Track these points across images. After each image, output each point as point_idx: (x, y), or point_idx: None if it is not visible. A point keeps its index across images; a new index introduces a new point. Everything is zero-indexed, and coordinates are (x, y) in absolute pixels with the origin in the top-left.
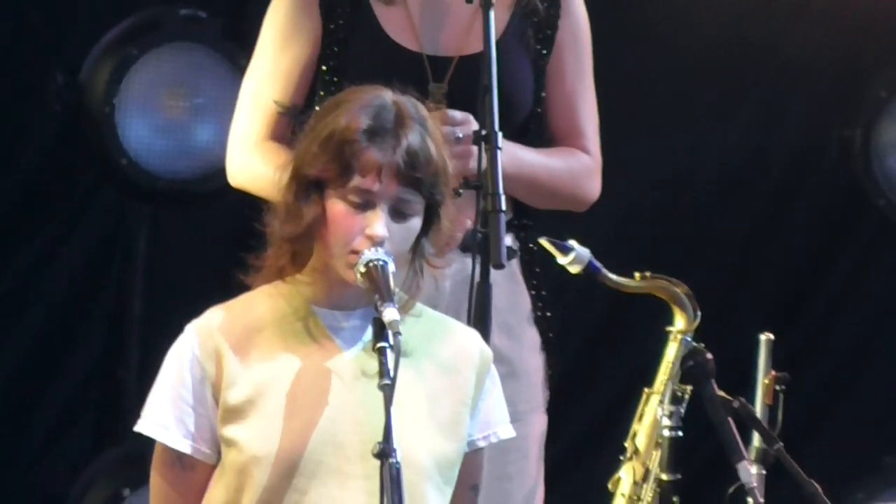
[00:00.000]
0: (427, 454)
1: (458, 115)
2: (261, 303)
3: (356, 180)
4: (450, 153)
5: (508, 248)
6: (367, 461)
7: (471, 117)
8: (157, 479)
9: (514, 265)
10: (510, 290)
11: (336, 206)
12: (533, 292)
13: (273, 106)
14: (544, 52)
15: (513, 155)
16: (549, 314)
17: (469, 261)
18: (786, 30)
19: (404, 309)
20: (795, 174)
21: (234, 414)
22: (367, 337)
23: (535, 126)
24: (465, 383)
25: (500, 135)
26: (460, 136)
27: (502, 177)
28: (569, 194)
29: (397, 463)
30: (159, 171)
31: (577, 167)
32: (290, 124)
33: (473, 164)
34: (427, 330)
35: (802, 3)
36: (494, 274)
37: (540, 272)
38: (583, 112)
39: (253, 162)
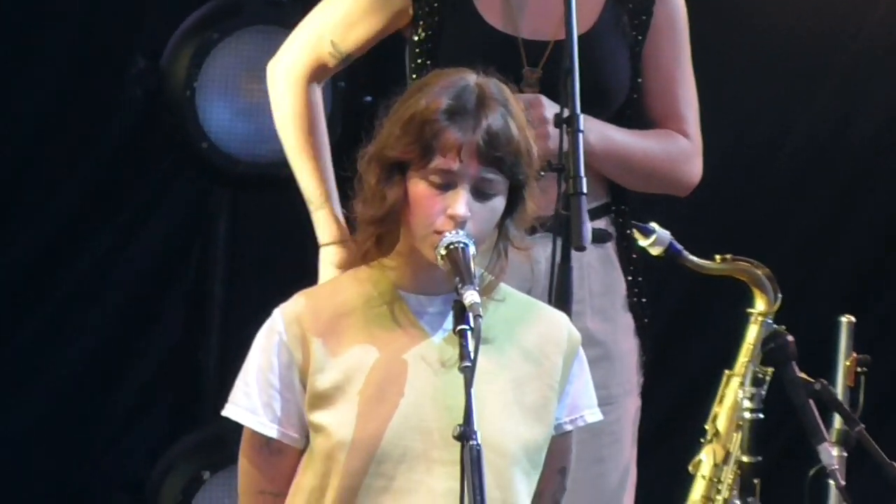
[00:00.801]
0: (514, 439)
1: (528, 97)
2: (347, 288)
3: (437, 160)
4: (534, 135)
5: (602, 231)
6: (454, 446)
7: (542, 98)
8: (244, 464)
9: (610, 249)
10: (605, 273)
11: (418, 187)
12: (629, 278)
13: (330, 48)
14: (640, 37)
15: (602, 134)
16: (644, 300)
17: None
18: (867, 7)
19: (487, 291)
20: (876, 155)
21: (321, 400)
22: (451, 322)
23: (631, 112)
24: (552, 367)
25: (581, 117)
26: None
27: (592, 156)
28: (666, 176)
29: (478, 445)
30: (240, 155)
31: (674, 149)
32: (334, 71)
33: (551, 144)
34: (512, 314)
35: None
36: (590, 258)
37: (637, 258)
38: (681, 97)
39: (289, 101)
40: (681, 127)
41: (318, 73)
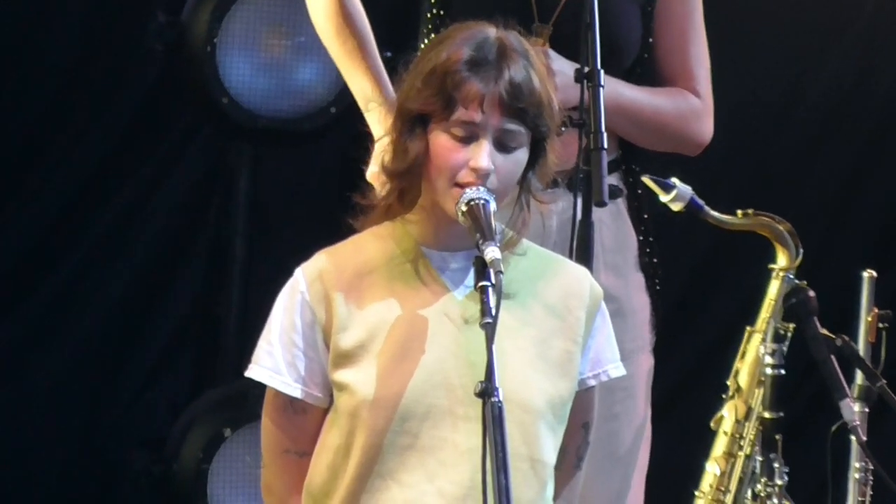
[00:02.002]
0: (539, 394)
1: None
2: (369, 244)
3: (459, 112)
4: (554, 86)
5: (614, 186)
6: (478, 403)
7: (549, 51)
8: (268, 424)
9: (621, 205)
10: (617, 229)
11: (440, 139)
12: (640, 238)
13: None
14: None
15: (612, 89)
16: (655, 260)
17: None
18: None
19: (509, 246)
20: (893, 109)
21: (345, 358)
22: (473, 279)
23: (641, 71)
24: (575, 322)
25: (602, 73)
26: None
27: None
28: (675, 133)
29: (499, 402)
30: (260, 110)
31: (684, 107)
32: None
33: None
34: (534, 268)
35: None
36: (602, 213)
37: (648, 218)
38: (693, 55)
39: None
40: (692, 85)
41: None
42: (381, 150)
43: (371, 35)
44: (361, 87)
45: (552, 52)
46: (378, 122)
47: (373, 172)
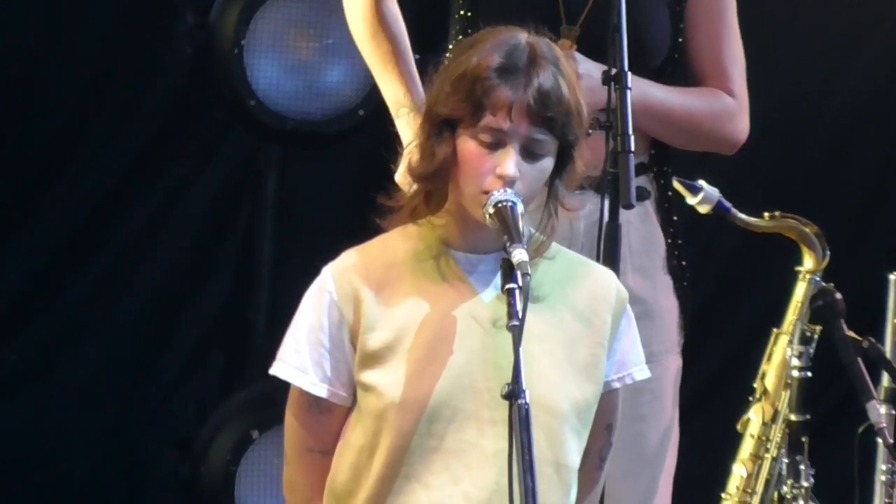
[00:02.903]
0: (566, 398)
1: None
2: (397, 245)
3: (487, 118)
4: (584, 94)
5: (641, 189)
6: (505, 406)
7: (575, 54)
8: (291, 422)
9: (650, 207)
10: (645, 231)
11: (467, 145)
12: (669, 241)
13: None
14: None
15: (642, 90)
16: (683, 263)
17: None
18: None
19: (539, 251)
20: None
21: (372, 359)
22: (500, 281)
23: (671, 71)
24: (601, 325)
25: (629, 75)
26: None
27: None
28: (709, 133)
29: (526, 404)
30: (288, 112)
31: (717, 106)
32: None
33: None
34: (562, 272)
35: None
36: (630, 215)
37: (677, 220)
38: (727, 54)
39: (366, 10)
40: (725, 84)
41: None
42: (409, 153)
43: (406, 39)
44: (394, 91)
45: (579, 55)
46: (408, 127)
47: (401, 174)
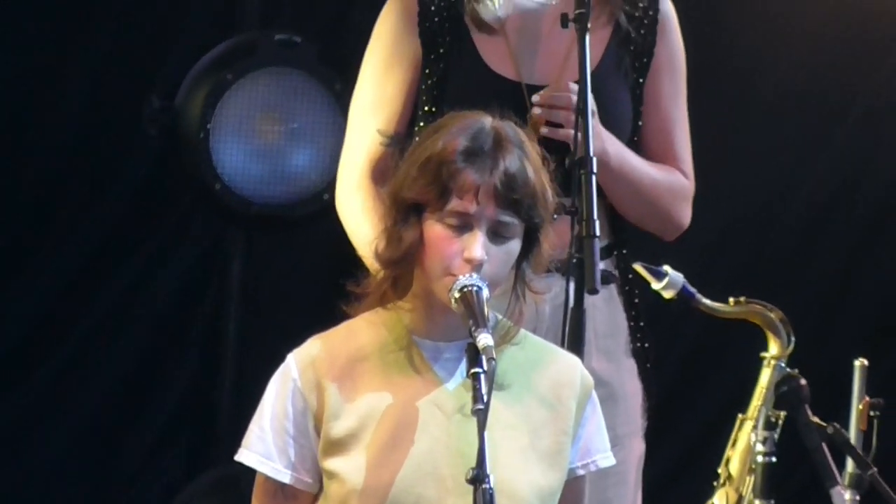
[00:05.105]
0: (529, 486)
1: (556, 85)
2: (362, 332)
3: (453, 202)
4: (549, 177)
5: (606, 272)
6: (468, 493)
7: (571, 85)
8: None
9: (613, 290)
10: (609, 313)
11: (434, 229)
12: (632, 323)
13: (377, 136)
14: (640, 80)
15: (619, 151)
16: (647, 345)
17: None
18: (878, 58)
19: (506, 337)
20: (890, 200)
21: (335, 447)
22: (466, 368)
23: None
24: (566, 412)
25: (594, 159)
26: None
27: (606, 169)
28: (665, 209)
29: (490, 489)
30: (253, 196)
31: (677, 185)
32: (395, 153)
33: (568, 132)
34: (528, 359)
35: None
36: (594, 298)
37: (639, 304)
38: (678, 137)
39: (352, 206)
40: (679, 167)
41: (378, 166)
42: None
43: None
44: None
45: (573, 86)
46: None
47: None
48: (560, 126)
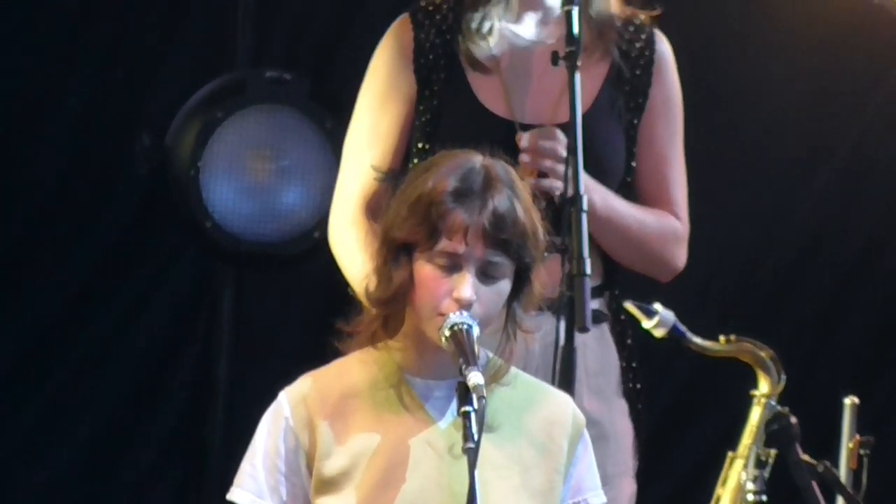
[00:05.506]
0: None
1: (544, 129)
2: (353, 370)
3: (443, 243)
4: (540, 217)
5: (598, 311)
6: None
7: (557, 132)
8: None
9: (605, 329)
10: (601, 353)
11: (424, 269)
12: (623, 364)
13: (371, 172)
14: (635, 121)
15: (605, 199)
16: (639, 386)
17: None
18: (866, 95)
19: (496, 376)
20: (877, 237)
21: (327, 485)
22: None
23: (625, 195)
24: (557, 451)
25: (585, 198)
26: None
27: (593, 219)
28: (656, 253)
29: None
30: (244, 234)
31: (667, 229)
32: (389, 189)
33: (558, 184)
34: (519, 398)
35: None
36: (586, 337)
37: (631, 344)
38: (672, 178)
39: (346, 242)
40: (672, 209)
41: (373, 202)
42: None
43: None
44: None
45: (560, 134)
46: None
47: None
48: (546, 175)
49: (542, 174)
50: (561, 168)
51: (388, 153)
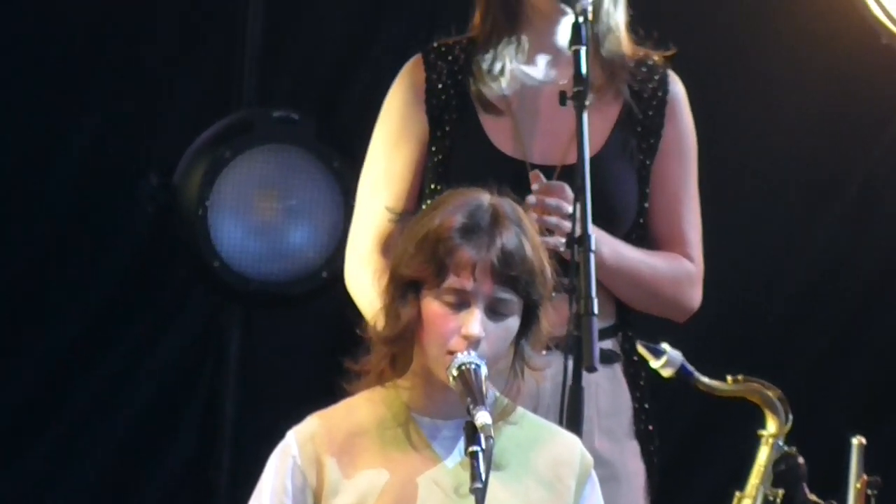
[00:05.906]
0: None
1: (553, 183)
2: (361, 409)
3: (451, 280)
4: (548, 255)
5: (609, 351)
6: None
7: (566, 187)
8: None
9: (618, 369)
10: (613, 393)
11: (432, 307)
12: (636, 405)
13: (385, 213)
14: (647, 161)
15: (615, 249)
16: (651, 427)
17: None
18: (877, 131)
19: (504, 414)
20: (885, 276)
21: None
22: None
23: (638, 236)
24: (565, 491)
25: (593, 237)
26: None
27: (602, 269)
28: (670, 297)
29: None
30: (251, 273)
31: (680, 272)
32: (399, 232)
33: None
34: (527, 438)
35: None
36: (597, 377)
37: (644, 385)
38: (686, 219)
39: (361, 282)
40: (685, 250)
41: (386, 242)
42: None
43: None
44: None
45: (569, 189)
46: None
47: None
48: (552, 232)
49: (548, 230)
50: (567, 225)
51: (402, 194)
